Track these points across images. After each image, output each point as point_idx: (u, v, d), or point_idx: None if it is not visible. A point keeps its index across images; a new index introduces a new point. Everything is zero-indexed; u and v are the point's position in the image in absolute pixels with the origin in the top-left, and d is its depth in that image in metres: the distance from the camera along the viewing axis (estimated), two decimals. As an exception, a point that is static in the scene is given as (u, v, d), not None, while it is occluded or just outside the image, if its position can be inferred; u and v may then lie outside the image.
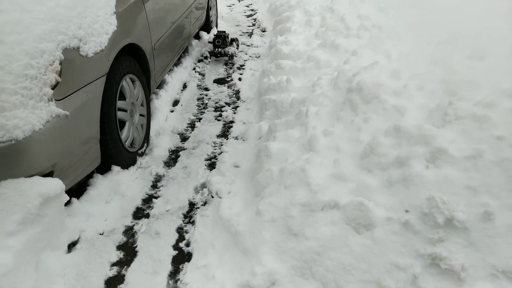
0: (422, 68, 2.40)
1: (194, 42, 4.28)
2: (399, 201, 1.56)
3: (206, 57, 4.05)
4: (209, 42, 4.10)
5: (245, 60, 4.10)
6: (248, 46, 4.52)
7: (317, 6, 4.53)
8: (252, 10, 6.08)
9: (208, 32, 4.63)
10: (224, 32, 3.98)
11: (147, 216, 2.00)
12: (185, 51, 4.07)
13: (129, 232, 1.90)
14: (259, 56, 4.18)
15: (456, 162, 1.54)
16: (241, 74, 3.77)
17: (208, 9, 4.54)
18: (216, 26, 4.97)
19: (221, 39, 3.88)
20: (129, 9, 2.27)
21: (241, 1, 6.58)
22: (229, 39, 4.03)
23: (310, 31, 3.90)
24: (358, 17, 3.69)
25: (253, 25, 5.35)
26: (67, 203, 1.87)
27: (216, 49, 3.93)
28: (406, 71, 2.30)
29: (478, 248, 1.31)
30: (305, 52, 3.31)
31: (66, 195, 1.70)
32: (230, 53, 3.93)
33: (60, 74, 1.66)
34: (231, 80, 3.66)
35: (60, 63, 1.66)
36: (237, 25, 5.35)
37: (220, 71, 3.87)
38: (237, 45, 4.10)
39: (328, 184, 1.75)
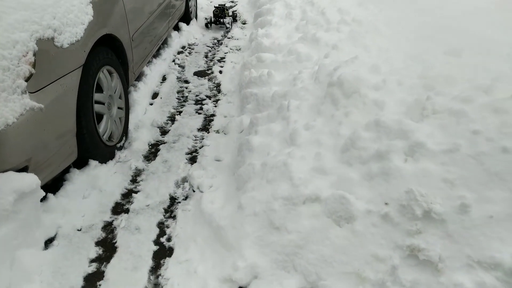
0: (400, 63, 2.44)
1: (174, 33, 4.20)
2: (379, 194, 1.59)
3: (206, 25, 4.72)
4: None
5: (225, 53, 4.06)
6: (229, 38, 4.47)
7: (297, -1, 4.53)
8: (232, 1, 6.01)
9: (188, 24, 4.55)
10: (224, 4, 4.66)
11: (127, 211, 1.96)
12: (164, 43, 3.99)
13: (108, 227, 1.86)
14: (239, 49, 4.15)
15: (434, 156, 1.58)
16: (221, 66, 3.74)
17: (188, 0, 4.46)
18: (196, 17, 4.90)
19: (220, 10, 4.57)
20: (106, -1, 2.20)
21: (221, -8, 6.50)
22: (228, 11, 4.68)
23: (291, 24, 3.89)
24: (338, 11, 3.72)
25: (223, 31, 5.29)
26: (43, 199, 1.81)
27: (215, 18, 4.65)
28: (385, 65, 2.33)
29: (455, 240, 1.35)
30: (286, 45, 3.31)
31: (41, 190, 1.65)
32: (227, 22, 4.60)
33: (34, 65, 1.59)
34: (212, 72, 3.62)
35: (34, 54, 1.59)
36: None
37: (200, 63, 3.82)
38: (234, 17, 4.79)
39: (310, 177, 1.76)
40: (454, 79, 2.08)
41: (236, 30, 4.70)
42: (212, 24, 4.71)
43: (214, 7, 4.66)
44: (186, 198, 2.05)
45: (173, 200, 2.05)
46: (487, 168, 1.45)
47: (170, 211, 1.98)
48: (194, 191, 2.07)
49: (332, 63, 2.50)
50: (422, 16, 3.92)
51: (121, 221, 1.88)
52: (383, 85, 2.09)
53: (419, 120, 1.79)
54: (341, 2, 4.16)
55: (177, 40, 4.15)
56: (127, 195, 2.07)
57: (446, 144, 1.59)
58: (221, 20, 4.64)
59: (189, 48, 4.20)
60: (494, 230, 1.33)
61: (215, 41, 4.42)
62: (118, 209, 1.98)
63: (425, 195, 1.44)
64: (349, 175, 1.72)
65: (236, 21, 4.82)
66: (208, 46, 4.25)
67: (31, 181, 1.58)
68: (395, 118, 1.81)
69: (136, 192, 2.09)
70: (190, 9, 4.61)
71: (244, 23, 4.99)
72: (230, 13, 4.75)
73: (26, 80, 1.57)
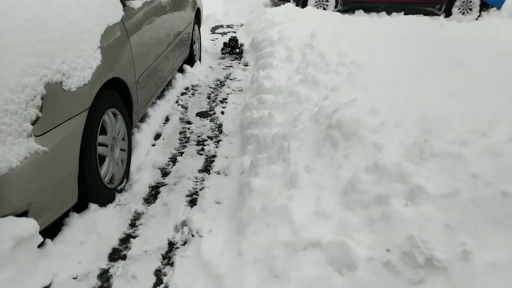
0: (398, 105, 2.48)
1: (178, 75, 4.32)
2: (380, 239, 1.57)
3: (223, 53, 5.64)
4: (223, 45, 5.70)
5: (227, 94, 4.15)
6: (231, 79, 4.59)
7: (297, 42, 4.68)
8: (235, 44, 6.22)
9: (192, 66, 4.69)
10: (235, 37, 5.60)
11: (124, 257, 1.93)
12: (169, 84, 4.10)
13: (104, 275, 1.83)
14: (241, 90, 4.25)
15: (434, 200, 1.57)
16: (223, 107, 3.81)
17: (192, 43, 4.62)
18: (200, 60, 5.05)
19: (234, 41, 5.54)
20: (114, 43, 2.29)
21: (224, 35, 6.74)
22: (239, 42, 5.65)
23: (291, 67, 4.00)
24: (337, 54, 3.83)
25: (236, 59, 5.46)
26: (41, 245, 1.79)
27: (229, 48, 5.58)
28: (383, 107, 2.37)
29: (458, 289, 1.32)
30: (286, 87, 3.39)
31: (40, 236, 1.63)
32: (238, 50, 5.58)
33: (41, 109, 1.63)
34: (214, 113, 3.69)
35: (42, 98, 1.64)
36: (219, 59, 5.45)
37: (203, 104, 3.90)
38: (242, 47, 5.69)
39: (311, 221, 1.75)
40: (451, 121, 2.11)
41: (238, 72, 4.83)
42: (226, 54, 5.64)
43: (229, 39, 5.59)
44: (185, 243, 2.03)
45: (171, 245, 2.02)
46: (487, 213, 1.44)
47: (168, 257, 1.95)
48: (193, 236, 2.05)
49: (331, 105, 2.54)
50: (420, 59, 4.03)
51: (117, 268, 1.85)
52: (381, 127, 2.12)
53: (418, 163, 1.80)
54: (340, 45, 4.30)
55: (181, 81, 4.26)
56: (125, 240, 2.05)
57: (446, 188, 1.59)
58: (235, 50, 5.56)
59: (193, 89, 4.30)
60: (497, 278, 1.29)
61: (218, 82, 4.53)
62: (115, 255, 1.95)
63: (427, 241, 1.42)
64: (349, 220, 1.71)
65: (242, 52, 5.64)
66: (211, 88, 4.36)
67: (30, 226, 1.57)
68: (394, 161, 1.82)
69: (134, 237, 2.07)
70: (195, 52, 4.77)
71: (246, 65, 5.14)
72: (240, 45, 5.72)
73: (33, 124, 1.61)
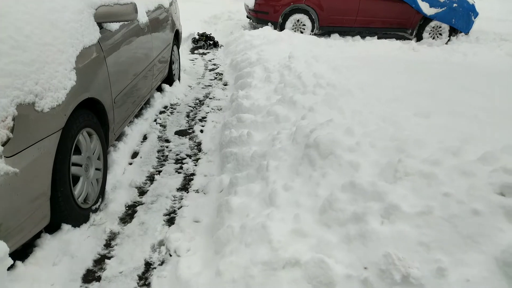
0: (373, 125, 2.56)
1: (157, 94, 4.31)
2: (358, 257, 1.59)
3: (194, 42, 7.12)
4: (196, 40, 7.20)
5: (207, 113, 4.16)
6: (210, 99, 4.61)
7: (275, 64, 4.77)
8: (214, 64, 6.28)
9: (171, 85, 4.69)
10: (204, 32, 7.18)
11: (98, 279, 1.87)
12: (147, 103, 4.08)
13: (78, 298, 1.76)
14: (220, 109, 4.27)
15: (409, 218, 1.61)
16: (203, 126, 3.81)
17: (171, 63, 4.64)
18: (179, 79, 5.06)
19: (205, 36, 7.00)
20: (89, 64, 2.27)
21: (203, 55, 6.80)
22: (210, 36, 7.08)
23: (270, 87, 4.07)
24: (313, 75, 3.93)
25: (215, 78, 5.50)
26: (10, 267, 1.71)
27: (203, 42, 7.00)
28: (358, 128, 2.44)
29: (433, 306, 1.34)
30: (265, 107, 3.43)
31: (10, 258, 1.56)
32: (213, 42, 6.99)
33: (12, 130, 1.60)
34: (193, 132, 3.68)
35: (13, 119, 1.60)
36: (199, 78, 5.48)
37: (182, 122, 3.89)
38: (216, 43, 7.05)
39: (289, 240, 1.75)
40: (423, 141, 2.18)
41: (217, 91, 4.87)
42: (201, 44, 7.01)
43: (198, 34, 7.06)
44: (162, 263, 1.98)
45: (148, 265, 1.98)
46: (460, 231, 1.48)
47: (144, 277, 1.89)
48: (171, 255, 2.01)
49: (308, 125, 2.59)
50: (392, 81, 4.18)
51: (92, 290, 1.78)
52: (357, 147, 2.17)
53: (392, 182, 1.85)
54: (316, 67, 4.42)
55: (159, 100, 4.25)
56: (100, 261, 1.99)
57: (420, 206, 1.63)
58: (210, 42, 6.84)
59: (171, 108, 4.29)
60: (472, 295, 1.33)
61: (197, 101, 4.54)
62: (90, 276, 1.88)
63: (403, 259, 1.45)
64: (328, 238, 1.72)
65: (217, 46, 6.83)
66: (190, 106, 4.36)
67: (-1, 249, 1.51)
68: (369, 180, 1.86)
69: (109, 258, 2.01)
70: (174, 72, 4.78)
71: (225, 84, 5.19)
72: (212, 39, 6.97)
73: (3, 145, 1.57)
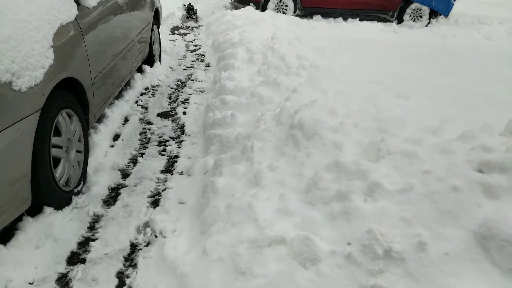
0: (356, 106, 2.59)
1: (137, 75, 4.22)
2: (342, 234, 1.62)
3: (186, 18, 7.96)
4: (190, 10, 8.06)
5: (189, 94, 4.11)
6: (193, 80, 4.55)
7: (258, 45, 4.72)
8: (195, 45, 6.17)
9: (151, 66, 4.60)
10: (190, 4, 8.05)
11: (83, 261, 1.86)
12: (127, 84, 3.99)
13: (63, 280, 1.74)
14: (203, 91, 4.22)
15: (391, 195, 1.65)
16: (185, 108, 3.77)
17: (151, 43, 4.53)
18: (160, 60, 4.96)
19: (191, 9, 7.94)
20: (67, 43, 2.19)
21: (184, 36, 6.66)
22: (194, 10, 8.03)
23: (253, 68, 4.04)
24: (297, 57, 3.92)
25: (197, 59, 5.42)
26: (-9, 251, 1.68)
27: (189, 12, 7.92)
28: (342, 109, 2.46)
29: (415, 278, 1.39)
30: (248, 88, 3.41)
31: (-10, 242, 1.54)
32: (196, 15, 7.98)
33: (-12, 110, 1.54)
34: (176, 114, 3.63)
35: (-11, 99, 1.55)
36: (180, 59, 5.38)
37: (164, 104, 3.83)
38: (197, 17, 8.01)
39: (275, 219, 1.77)
40: (405, 121, 2.23)
41: (199, 72, 4.80)
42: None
43: (184, 5, 8.07)
44: (148, 244, 1.98)
45: (134, 247, 1.97)
46: (439, 206, 1.54)
47: (130, 259, 1.89)
48: (156, 237, 2.01)
49: (293, 106, 2.60)
50: (374, 63, 4.22)
51: (77, 272, 1.77)
52: (340, 127, 2.20)
53: (375, 161, 1.88)
54: (299, 48, 4.41)
55: (140, 81, 4.16)
56: (84, 243, 1.97)
57: (401, 184, 1.67)
58: (193, 16, 7.90)
59: (153, 89, 4.21)
60: (451, 267, 1.38)
61: (179, 83, 4.47)
62: (74, 259, 1.87)
63: (385, 234, 1.49)
64: (312, 216, 1.75)
65: (197, 20, 7.91)
66: (172, 88, 4.29)
67: (-22, 232, 1.48)
68: (353, 159, 1.89)
69: (93, 240, 1.99)
70: (154, 52, 4.68)
71: (207, 66, 5.12)
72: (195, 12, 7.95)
73: (-21, 126, 1.51)
